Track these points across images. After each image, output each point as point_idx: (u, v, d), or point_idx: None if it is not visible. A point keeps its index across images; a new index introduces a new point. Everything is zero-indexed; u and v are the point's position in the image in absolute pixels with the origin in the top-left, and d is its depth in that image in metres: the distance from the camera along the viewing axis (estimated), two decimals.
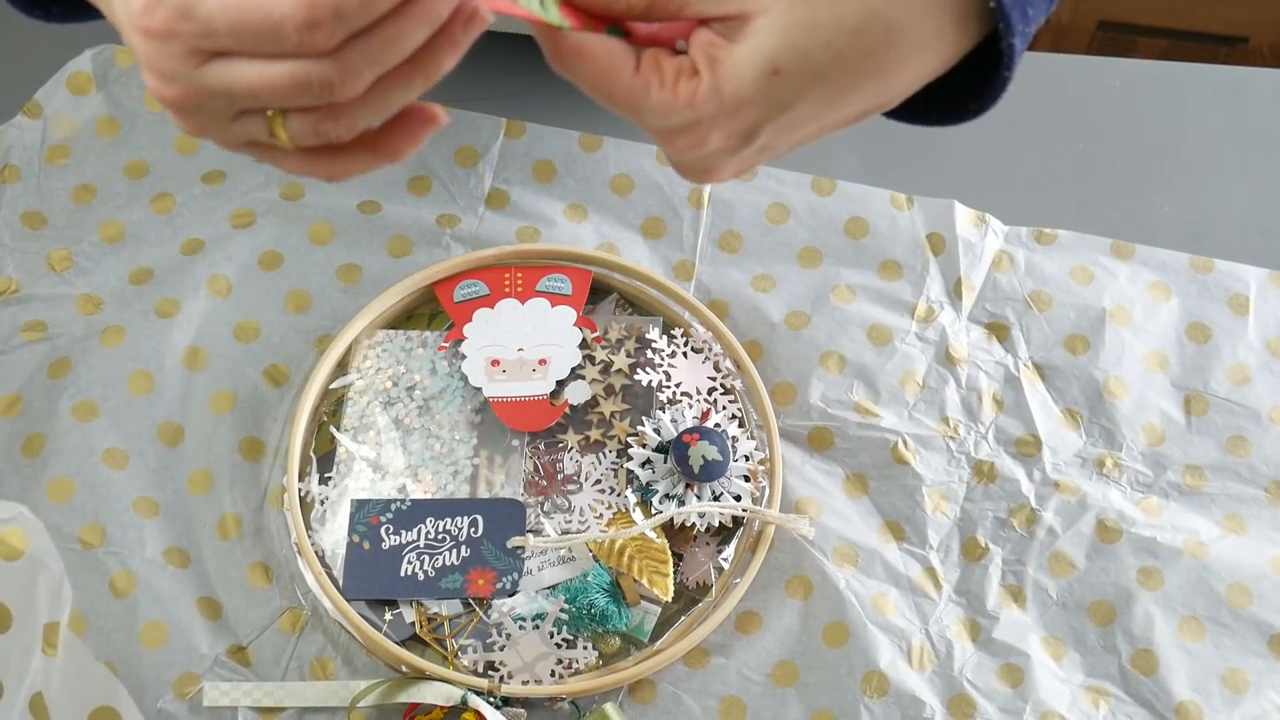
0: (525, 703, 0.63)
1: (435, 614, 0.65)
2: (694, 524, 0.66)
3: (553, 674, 0.64)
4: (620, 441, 0.69)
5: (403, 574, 0.65)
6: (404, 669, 0.63)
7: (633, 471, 0.67)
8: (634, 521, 0.66)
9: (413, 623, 0.65)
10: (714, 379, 0.71)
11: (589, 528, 0.67)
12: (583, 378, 0.71)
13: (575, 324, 0.71)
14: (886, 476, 0.70)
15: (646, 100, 0.46)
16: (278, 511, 0.67)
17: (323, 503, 0.67)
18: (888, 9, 0.44)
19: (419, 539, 0.66)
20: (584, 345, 0.71)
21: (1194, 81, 0.84)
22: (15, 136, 0.76)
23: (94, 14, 0.50)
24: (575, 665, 0.64)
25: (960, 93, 0.49)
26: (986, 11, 0.46)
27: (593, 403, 0.70)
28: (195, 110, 0.44)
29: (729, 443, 0.67)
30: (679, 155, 0.48)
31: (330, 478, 0.68)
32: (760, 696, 0.64)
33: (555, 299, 0.72)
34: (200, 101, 0.43)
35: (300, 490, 0.67)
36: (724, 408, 0.70)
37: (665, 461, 0.67)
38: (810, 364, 0.72)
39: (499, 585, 0.65)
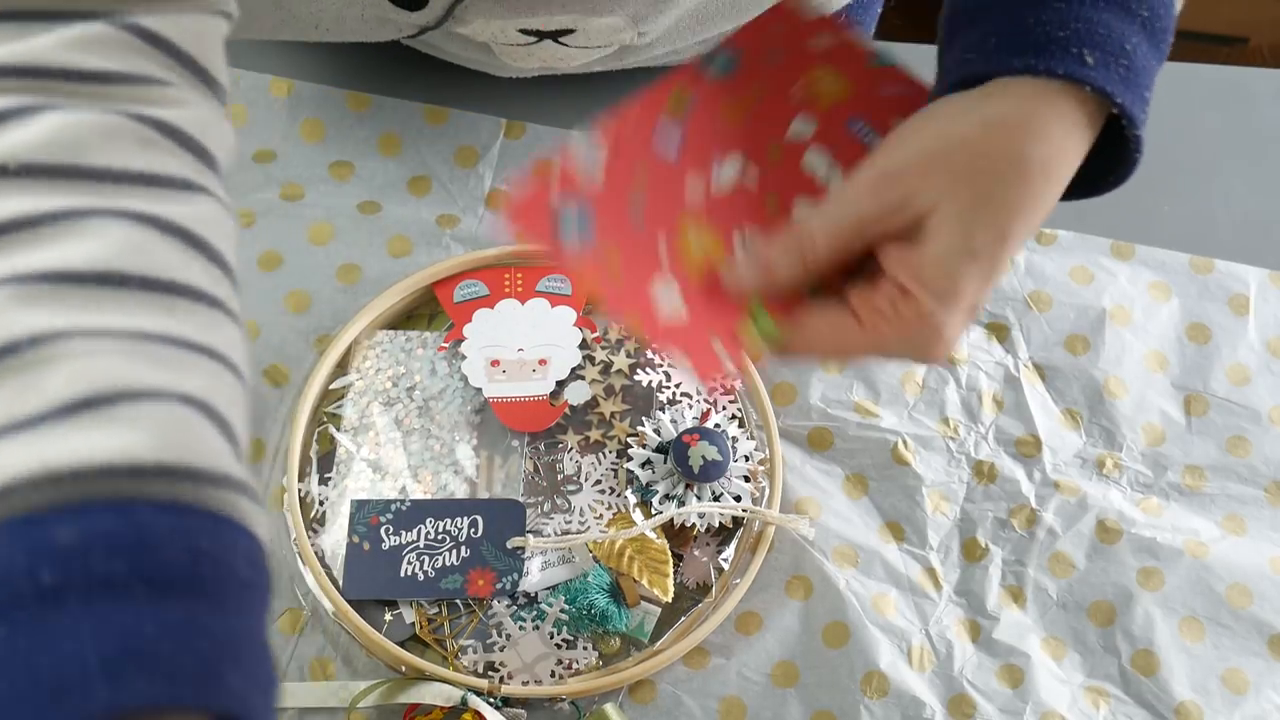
0: (525, 703, 0.63)
1: (435, 614, 0.65)
2: (694, 524, 0.66)
3: (553, 674, 0.64)
4: (620, 442, 0.69)
5: (403, 574, 0.65)
6: (404, 669, 0.63)
7: (633, 472, 0.67)
8: (634, 522, 0.66)
9: (413, 623, 0.65)
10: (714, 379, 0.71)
11: (589, 528, 0.67)
12: (583, 378, 0.71)
13: (575, 324, 0.71)
14: (886, 477, 0.70)
15: (887, 342, 0.48)
16: (278, 511, 0.67)
17: (323, 503, 0.67)
18: (1038, 148, 0.47)
19: (419, 539, 0.66)
20: (584, 345, 0.71)
21: (1194, 81, 0.84)
22: None
23: None
24: (575, 665, 0.64)
25: (1091, 170, 0.51)
26: (1109, 113, 0.49)
27: (593, 403, 0.70)
28: None
29: (729, 443, 0.67)
30: (928, 358, 0.50)
31: (330, 478, 0.68)
32: (760, 697, 0.64)
33: (555, 299, 0.72)
34: None
35: (300, 490, 0.67)
36: (724, 408, 0.70)
37: (665, 462, 0.67)
38: (810, 364, 0.72)
39: (499, 585, 0.65)
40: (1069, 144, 0.48)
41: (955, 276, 0.47)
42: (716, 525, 0.67)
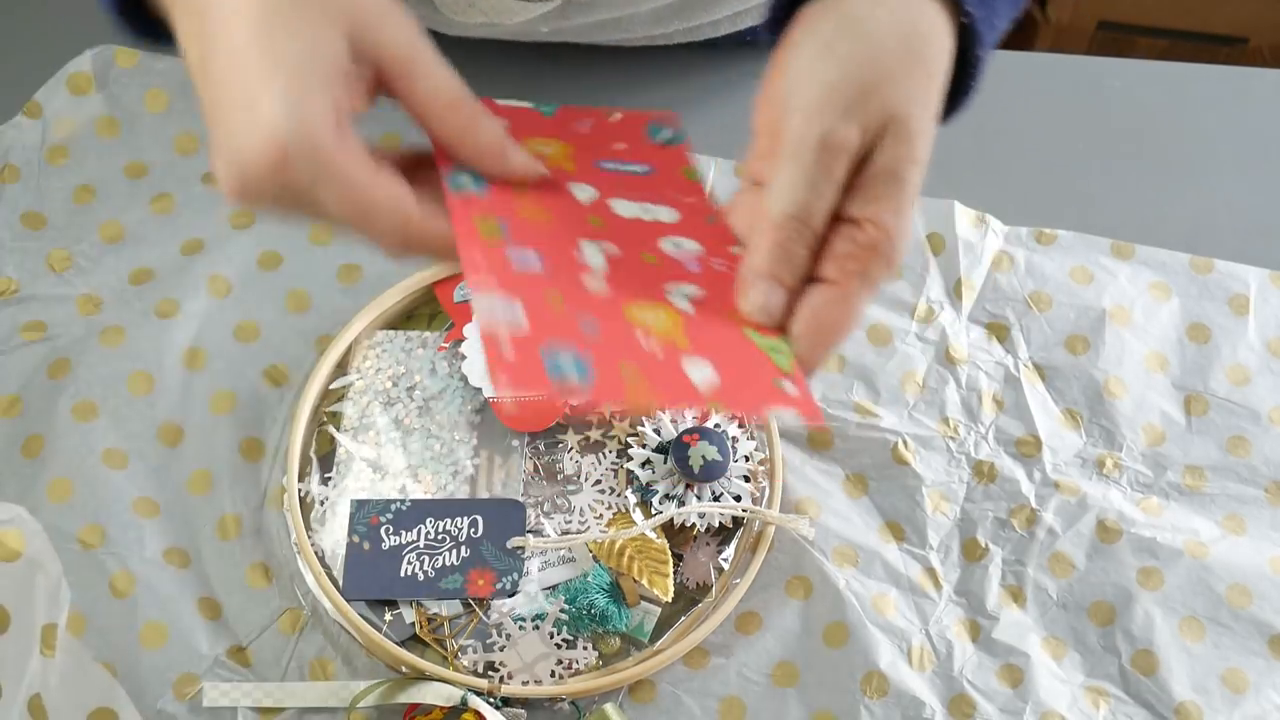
0: (525, 703, 0.63)
1: (435, 614, 0.65)
2: (694, 524, 0.66)
3: (553, 674, 0.64)
4: (620, 441, 0.69)
5: (403, 574, 0.65)
6: (404, 669, 0.63)
7: (633, 472, 0.67)
8: (634, 522, 0.66)
9: (413, 623, 0.65)
10: None
11: (589, 528, 0.67)
12: None
13: None
14: (886, 477, 0.70)
15: (863, 281, 0.48)
16: (278, 512, 0.67)
17: (323, 503, 0.67)
18: (933, 46, 0.50)
19: (419, 539, 0.66)
20: None
21: (1194, 81, 0.84)
22: (15, 136, 0.76)
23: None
24: (575, 665, 0.64)
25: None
26: (959, 26, 0.51)
27: None
28: None
29: (729, 443, 0.67)
30: (895, 270, 0.50)
31: (330, 478, 0.68)
32: (760, 697, 0.64)
33: None
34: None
35: (300, 490, 0.67)
36: None
37: (665, 462, 0.67)
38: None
39: (499, 585, 0.65)
40: (947, 41, 0.51)
41: (906, 183, 0.48)
42: (716, 525, 0.67)
